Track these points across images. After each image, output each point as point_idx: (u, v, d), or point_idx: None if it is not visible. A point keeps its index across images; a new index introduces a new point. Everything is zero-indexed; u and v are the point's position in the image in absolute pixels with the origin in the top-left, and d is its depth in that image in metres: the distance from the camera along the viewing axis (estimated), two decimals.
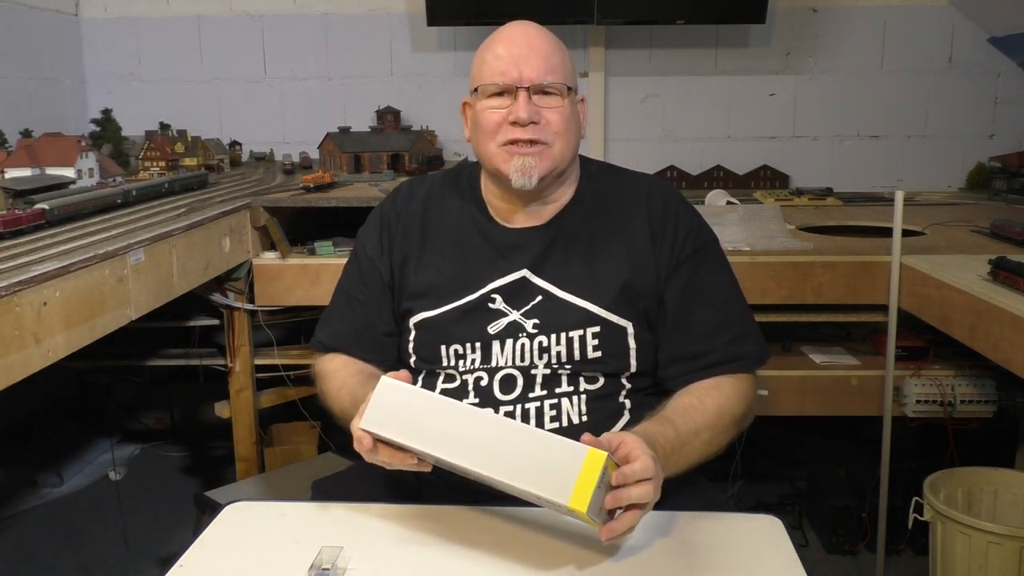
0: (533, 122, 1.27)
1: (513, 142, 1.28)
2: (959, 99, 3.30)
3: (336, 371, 1.38)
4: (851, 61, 3.31)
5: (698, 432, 1.23)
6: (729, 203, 2.76)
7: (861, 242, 2.37)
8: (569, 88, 1.30)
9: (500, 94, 1.29)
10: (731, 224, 2.35)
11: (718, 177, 3.33)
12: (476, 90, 1.32)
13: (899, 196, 2.06)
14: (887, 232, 2.16)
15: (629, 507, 1.02)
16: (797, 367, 2.24)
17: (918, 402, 2.14)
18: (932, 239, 2.35)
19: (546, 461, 0.99)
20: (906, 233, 2.23)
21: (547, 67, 1.28)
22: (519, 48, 1.28)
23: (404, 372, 1.16)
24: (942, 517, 1.94)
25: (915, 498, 2.02)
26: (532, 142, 1.28)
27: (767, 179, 3.33)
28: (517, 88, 1.27)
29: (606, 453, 0.99)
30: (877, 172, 3.37)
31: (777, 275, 2.17)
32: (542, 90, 1.28)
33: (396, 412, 1.06)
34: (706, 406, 1.26)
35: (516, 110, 1.26)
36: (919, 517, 2.00)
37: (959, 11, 3.23)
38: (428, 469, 1.11)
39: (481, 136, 1.32)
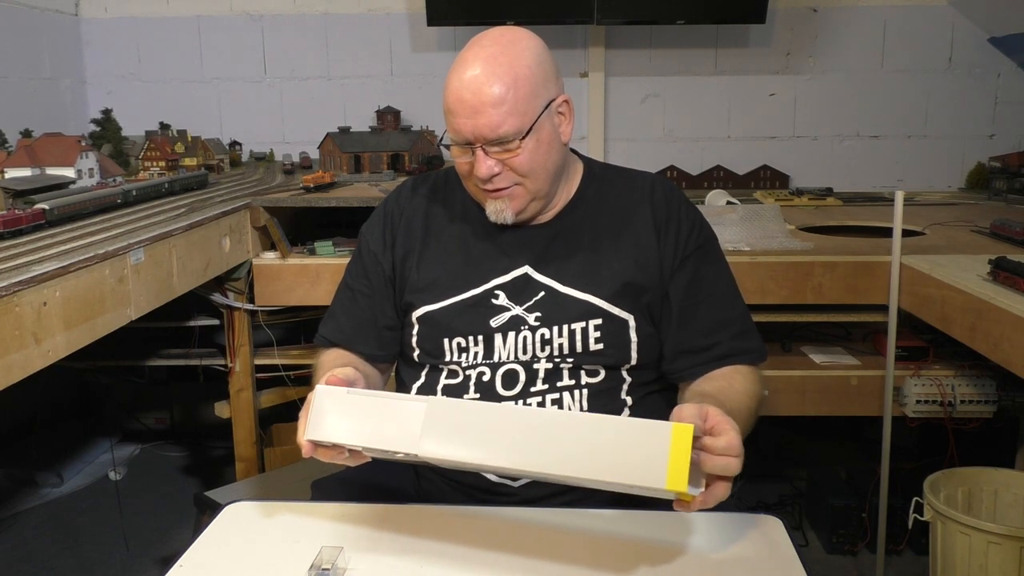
0: (495, 174, 1.28)
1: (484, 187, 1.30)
2: (959, 99, 3.30)
3: (324, 364, 1.38)
4: (851, 61, 3.31)
5: (740, 412, 1.21)
6: (729, 203, 2.76)
7: (861, 242, 2.37)
8: (529, 129, 1.26)
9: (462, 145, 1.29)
10: (731, 224, 2.35)
11: (718, 177, 3.33)
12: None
13: (899, 196, 2.06)
14: (887, 232, 2.16)
15: (717, 478, 0.99)
16: (797, 367, 2.24)
17: (918, 402, 2.14)
18: (932, 239, 2.35)
19: (622, 447, 0.90)
20: (906, 233, 2.23)
21: (499, 119, 1.23)
22: (469, 106, 1.24)
23: (340, 373, 1.14)
24: (942, 517, 1.94)
25: (915, 498, 2.02)
26: (499, 189, 1.29)
27: (767, 179, 3.33)
28: (473, 146, 1.26)
29: (692, 425, 0.92)
30: (877, 172, 3.37)
31: (777, 275, 2.17)
32: (498, 142, 1.26)
33: (343, 416, 1.04)
34: (736, 389, 1.28)
35: (476, 169, 1.27)
36: (919, 517, 2.00)
37: (959, 11, 3.23)
38: (367, 459, 1.10)
39: (458, 173, 1.35)
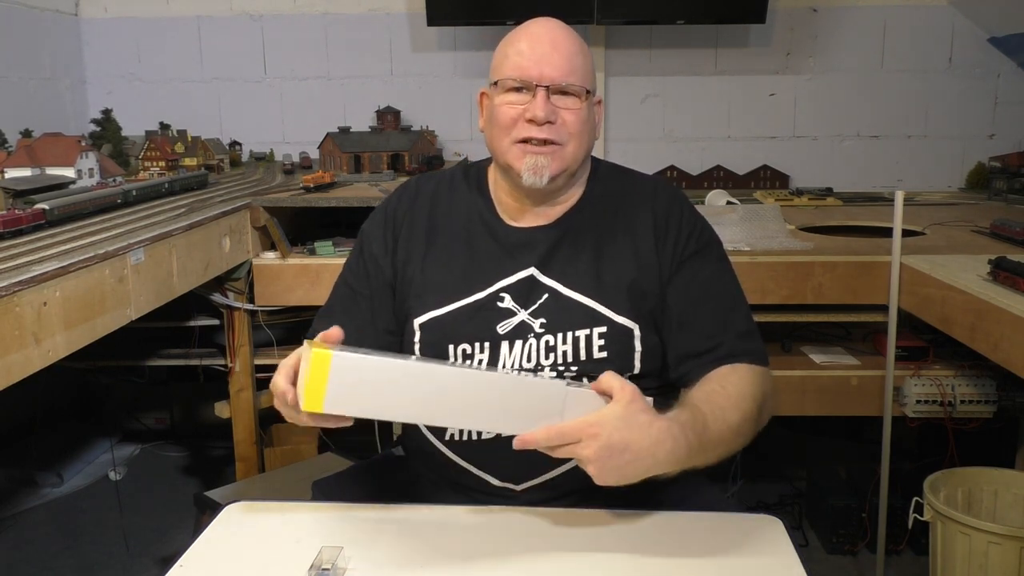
0: (549, 121, 1.27)
1: (527, 140, 1.28)
2: (959, 99, 3.30)
3: None
4: (851, 61, 3.31)
5: (726, 419, 1.17)
6: (729, 203, 2.76)
7: (861, 242, 2.37)
8: (588, 91, 1.30)
9: (519, 90, 1.29)
10: (731, 224, 2.35)
11: (718, 177, 3.33)
12: (495, 83, 1.32)
13: (899, 196, 2.06)
14: (887, 232, 2.16)
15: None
16: (797, 367, 2.24)
17: (918, 402, 2.14)
18: (932, 239, 2.35)
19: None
20: (906, 233, 2.23)
21: (568, 67, 1.27)
22: (542, 46, 1.28)
23: (335, 330, 1.10)
24: (942, 517, 1.94)
25: (915, 498, 2.02)
26: (546, 141, 1.28)
27: (767, 179, 3.33)
28: (536, 86, 1.27)
29: (330, 352, 0.98)
30: (877, 172, 3.37)
31: (777, 275, 2.17)
32: (561, 90, 1.28)
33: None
34: (728, 391, 1.22)
35: (533, 108, 1.27)
36: (919, 517, 2.00)
37: (959, 11, 3.23)
38: (349, 423, 1.07)
39: (496, 130, 1.32)
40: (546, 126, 1.27)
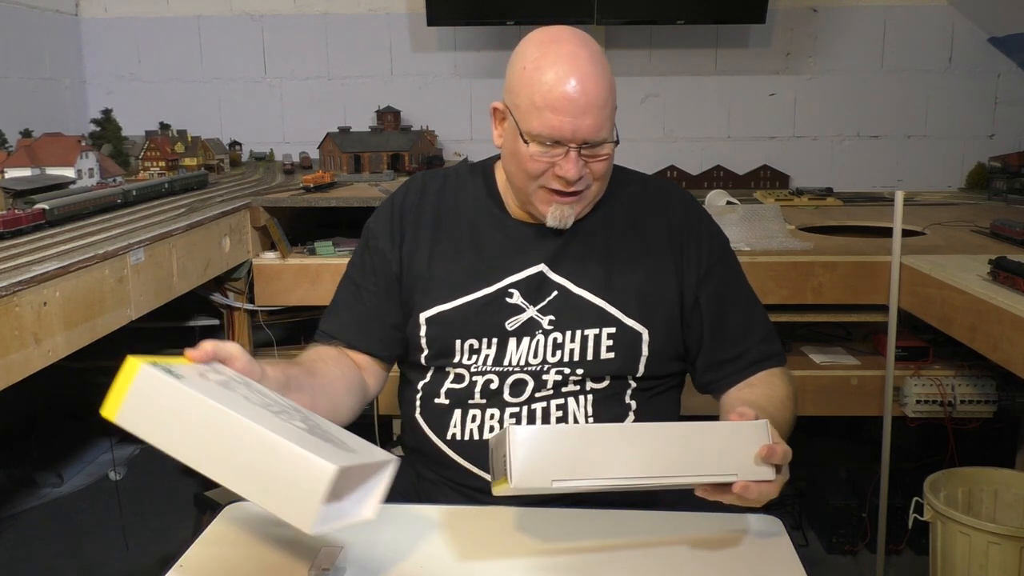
0: (581, 177, 1.25)
1: (554, 190, 1.27)
2: (959, 99, 3.30)
3: (303, 361, 1.32)
4: (851, 61, 3.31)
5: (786, 420, 1.26)
6: (729, 203, 2.76)
7: (861, 242, 2.37)
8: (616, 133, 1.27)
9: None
10: (731, 224, 2.34)
11: (718, 177, 3.33)
12: (517, 113, 1.26)
13: (899, 196, 2.06)
14: (887, 232, 2.16)
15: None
16: (797, 367, 2.24)
17: (918, 402, 2.14)
18: (932, 239, 2.35)
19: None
20: (906, 233, 2.23)
21: (601, 122, 1.22)
22: (576, 105, 1.20)
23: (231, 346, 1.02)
24: (942, 517, 1.94)
25: (915, 498, 2.02)
26: (575, 192, 1.27)
27: (767, 179, 3.34)
28: (569, 146, 1.23)
29: (141, 364, 0.88)
30: (877, 172, 3.37)
31: (777, 275, 2.17)
32: (593, 145, 1.24)
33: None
34: (779, 395, 1.29)
35: (565, 169, 1.23)
36: (919, 517, 2.00)
37: (959, 11, 3.23)
38: None
39: (518, 171, 1.28)
40: (577, 181, 1.25)
